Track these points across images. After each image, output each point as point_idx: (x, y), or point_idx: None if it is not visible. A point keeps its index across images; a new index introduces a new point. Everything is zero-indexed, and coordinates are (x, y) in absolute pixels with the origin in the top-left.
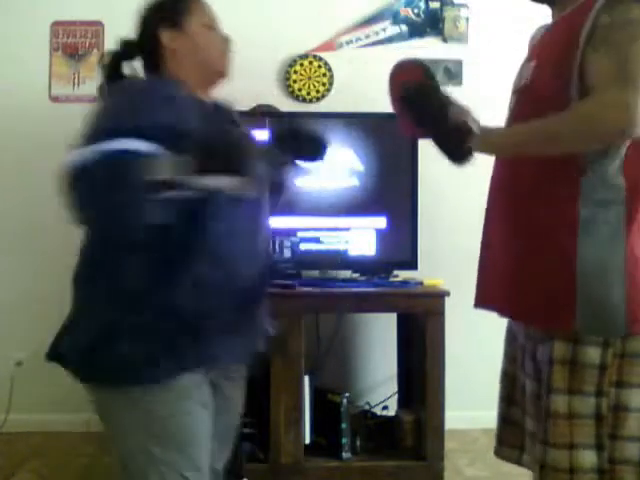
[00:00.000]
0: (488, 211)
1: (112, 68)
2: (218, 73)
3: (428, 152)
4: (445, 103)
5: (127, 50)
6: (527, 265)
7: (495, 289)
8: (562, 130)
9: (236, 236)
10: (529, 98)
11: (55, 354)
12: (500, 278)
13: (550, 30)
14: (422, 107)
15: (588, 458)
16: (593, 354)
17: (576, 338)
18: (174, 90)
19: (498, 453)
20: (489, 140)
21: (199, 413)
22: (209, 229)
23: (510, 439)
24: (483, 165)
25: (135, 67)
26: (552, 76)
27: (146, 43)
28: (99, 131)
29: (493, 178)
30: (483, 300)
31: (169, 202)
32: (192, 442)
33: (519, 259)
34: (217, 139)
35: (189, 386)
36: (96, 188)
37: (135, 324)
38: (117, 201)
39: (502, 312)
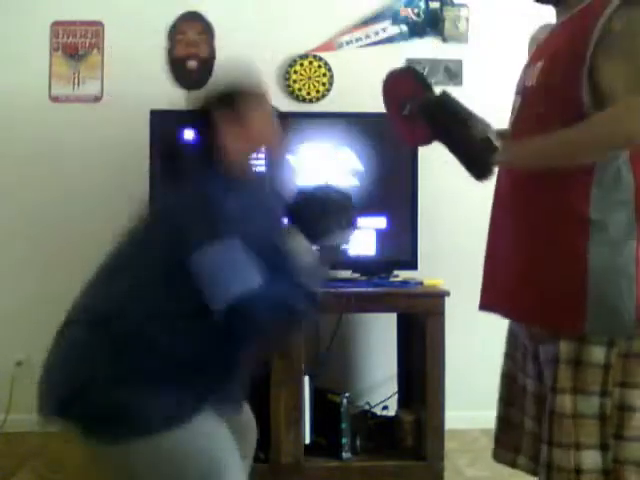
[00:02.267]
0: (494, 214)
1: (170, 137)
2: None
3: (428, 152)
4: (468, 118)
5: (186, 121)
6: (535, 266)
7: (501, 291)
8: (585, 138)
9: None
10: (535, 100)
11: (74, 414)
12: (506, 279)
13: (556, 31)
14: (444, 122)
15: (592, 458)
16: (598, 354)
17: (581, 338)
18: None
19: (496, 456)
20: (513, 154)
21: (222, 438)
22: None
23: (506, 440)
24: None
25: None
26: (561, 79)
27: (203, 117)
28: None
29: (499, 181)
30: (488, 303)
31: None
32: (225, 469)
33: (527, 260)
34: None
35: (206, 419)
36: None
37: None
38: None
39: (507, 313)
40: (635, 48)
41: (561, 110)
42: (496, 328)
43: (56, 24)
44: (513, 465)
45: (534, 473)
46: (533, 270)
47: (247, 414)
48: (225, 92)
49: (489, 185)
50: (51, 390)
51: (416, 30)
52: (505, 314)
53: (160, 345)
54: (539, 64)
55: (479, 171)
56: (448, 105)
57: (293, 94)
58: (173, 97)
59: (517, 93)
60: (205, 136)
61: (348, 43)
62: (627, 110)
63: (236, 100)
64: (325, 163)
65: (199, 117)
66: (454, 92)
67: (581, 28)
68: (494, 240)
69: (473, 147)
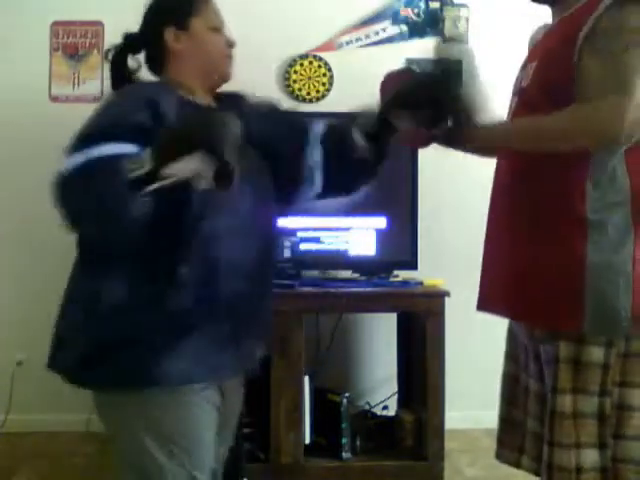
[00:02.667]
0: (492, 214)
1: (118, 62)
2: (220, 76)
3: (428, 153)
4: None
5: (131, 44)
6: (534, 266)
7: (499, 291)
8: (556, 129)
9: (224, 236)
10: (530, 99)
11: (57, 366)
12: (505, 280)
13: (551, 31)
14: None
15: (591, 457)
16: (597, 354)
17: (580, 338)
18: (159, 92)
19: (499, 456)
20: (483, 130)
21: (206, 414)
22: (193, 228)
23: (510, 441)
24: (483, 165)
25: (140, 61)
26: (554, 77)
27: (150, 40)
28: (81, 138)
29: (497, 180)
30: (486, 303)
31: (155, 197)
32: (199, 443)
33: (526, 260)
34: (181, 125)
35: (196, 388)
36: (82, 192)
37: (136, 329)
38: (103, 201)
39: (506, 313)
40: (616, 48)
41: (556, 109)
42: (496, 328)
43: (56, 24)
44: (517, 465)
45: (537, 473)
46: (531, 269)
47: (235, 392)
48: (170, 8)
49: (490, 186)
50: None
51: (416, 30)
52: (504, 314)
53: (100, 289)
54: (534, 64)
55: (447, 137)
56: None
57: (293, 94)
58: None
59: (514, 94)
60: (155, 58)
61: (348, 43)
62: (601, 110)
63: (183, 16)
64: None
65: (147, 38)
66: None
67: (574, 26)
68: (491, 238)
69: (451, 110)
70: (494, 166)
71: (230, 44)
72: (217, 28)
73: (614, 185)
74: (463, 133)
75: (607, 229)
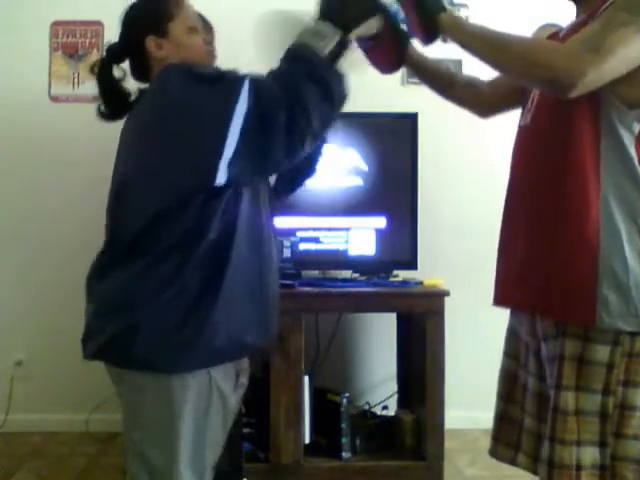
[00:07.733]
0: (510, 210)
1: (104, 74)
2: None
3: (429, 153)
4: None
5: (115, 55)
6: (550, 259)
7: (515, 285)
8: (519, 49)
9: (268, 232)
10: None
11: (131, 357)
12: (520, 273)
13: (574, 28)
14: None
15: (590, 454)
16: (602, 352)
17: (586, 336)
18: None
19: (493, 453)
20: (457, 19)
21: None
22: (248, 217)
23: (506, 438)
24: (483, 165)
25: (125, 70)
26: None
27: (132, 50)
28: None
29: (514, 176)
30: (503, 298)
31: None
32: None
33: (544, 254)
34: None
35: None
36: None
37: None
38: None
39: (521, 306)
40: (611, 16)
41: (576, 103)
42: (496, 328)
43: (56, 24)
44: (512, 463)
45: (534, 471)
46: (548, 262)
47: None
48: (147, 17)
49: (489, 186)
50: None
51: None
52: (519, 307)
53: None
54: None
55: (425, 27)
56: None
57: None
58: None
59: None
60: (139, 66)
61: None
62: (564, 55)
63: (161, 22)
64: (327, 163)
65: (129, 48)
66: None
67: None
68: (507, 233)
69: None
70: (494, 166)
71: (209, 41)
72: (194, 27)
73: (629, 177)
74: (438, 20)
75: (619, 223)
